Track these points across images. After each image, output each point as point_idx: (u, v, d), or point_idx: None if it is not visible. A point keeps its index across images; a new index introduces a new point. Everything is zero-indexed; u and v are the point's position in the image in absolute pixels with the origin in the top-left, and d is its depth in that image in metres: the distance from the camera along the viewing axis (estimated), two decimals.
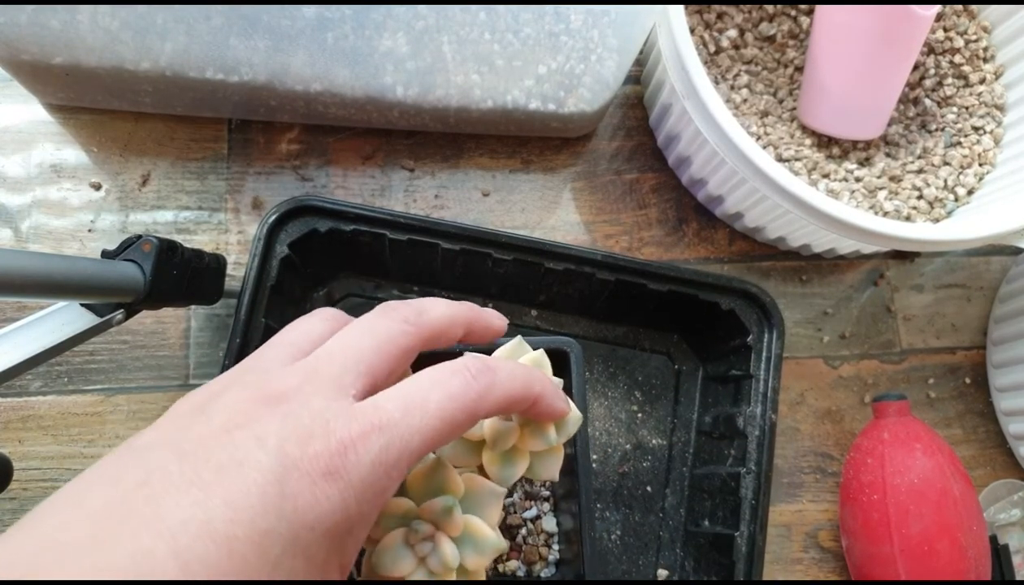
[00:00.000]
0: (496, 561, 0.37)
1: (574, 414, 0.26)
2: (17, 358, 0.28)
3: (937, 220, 0.45)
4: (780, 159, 0.45)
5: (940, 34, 0.48)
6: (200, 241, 0.44)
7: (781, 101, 0.47)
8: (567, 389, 0.31)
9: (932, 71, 0.48)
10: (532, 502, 0.39)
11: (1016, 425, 0.45)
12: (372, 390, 0.21)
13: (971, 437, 0.46)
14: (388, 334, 0.22)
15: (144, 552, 0.15)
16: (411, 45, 0.38)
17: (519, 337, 0.28)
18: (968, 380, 0.47)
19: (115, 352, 0.41)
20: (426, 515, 0.24)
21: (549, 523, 0.38)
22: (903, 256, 0.49)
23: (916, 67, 0.48)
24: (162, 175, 0.44)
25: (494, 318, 0.26)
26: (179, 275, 0.34)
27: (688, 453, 0.43)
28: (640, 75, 0.49)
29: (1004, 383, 0.45)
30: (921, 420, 0.42)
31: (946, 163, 0.46)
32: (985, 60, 0.48)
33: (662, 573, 0.41)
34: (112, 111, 0.45)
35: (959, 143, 0.47)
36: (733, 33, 0.46)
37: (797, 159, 0.45)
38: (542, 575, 0.38)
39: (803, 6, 0.47)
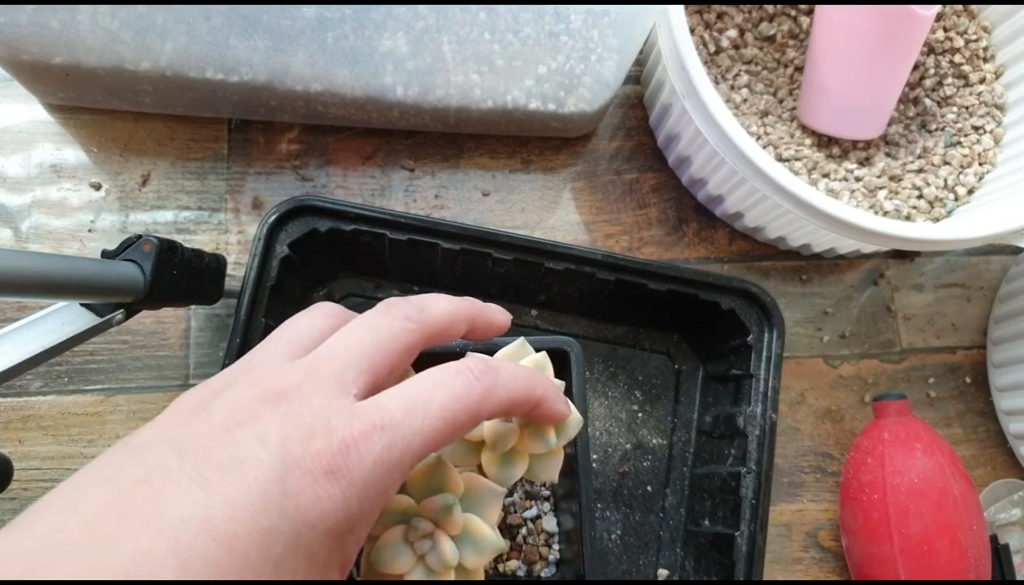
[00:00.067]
0: (496, 561, 0.37)
1: (574, 417, 0.26)
2: (17, 358, 0.28)
3: (937, 220, 0.45)
4: (780, 159, 0.45)
5: (940, 34, 0.48)
6: (200, 241, 0.44)
7: (781, 101, 0.47)
8: (567, 389, 0.31)
9: (932, 71, 0.48)
10: (532, 502, 0.39)
11: (1016, 424, 0.45)
12: (374, 388, 0.21)
13: (971, 437, 0.46)
14: (390, 332, 0.22)
15: (144, 550, 0.15)
16: (411, 45, 0.38)
17: (522, 338, 0.28)
18: (968, 380, 0.47)
19: (115, 352, 0.41)
20: (426, 513, 0.24)
21: (549, 523, 0.38)
22: (903, 256, 0.49)
23: (916, 67, 0.48)
24: (162, 175, 0.44)
25: (497, 314, 0.26)
26: (179, 275, 0.34)
27: (688, 453, 0.43)
28: (640, 75, 0.49)
29: (1004, 383, 0.45)
30: (921, 420, 0.42)
31: (946, 163, 0.46)
32: (985, 60, 0.48)
33: (662, 573, 0.41)
34: (112, 111, 0.45)
35: (959, 143, 0.47)
36: (733, 33, 0.46)
37: (797, 159, 0.45)
38: (542, 575, 0.38)
39: (803, 6, 0.47)
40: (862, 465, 0.41)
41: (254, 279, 0.37)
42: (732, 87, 0.46)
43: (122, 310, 0.32)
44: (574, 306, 0.44)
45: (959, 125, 0.47)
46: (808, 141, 0.46)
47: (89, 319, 0.31)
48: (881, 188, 0.45)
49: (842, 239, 0.42)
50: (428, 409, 0.20)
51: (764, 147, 0.45)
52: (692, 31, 0.46)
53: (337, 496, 0.18)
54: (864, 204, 0.44)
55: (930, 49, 0.48)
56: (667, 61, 0.39)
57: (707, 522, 0.40)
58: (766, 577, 0.40)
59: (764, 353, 0.40)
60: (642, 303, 0.42)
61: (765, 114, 0.46)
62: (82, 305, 0.31)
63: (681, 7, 0.38)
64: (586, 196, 0.47)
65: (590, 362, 0.44)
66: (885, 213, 0.44)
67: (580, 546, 0.33)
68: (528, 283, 0.42)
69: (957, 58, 0.48)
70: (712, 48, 0.46)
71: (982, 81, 0.48)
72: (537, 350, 0.28)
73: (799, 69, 0.47)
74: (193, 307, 0.42)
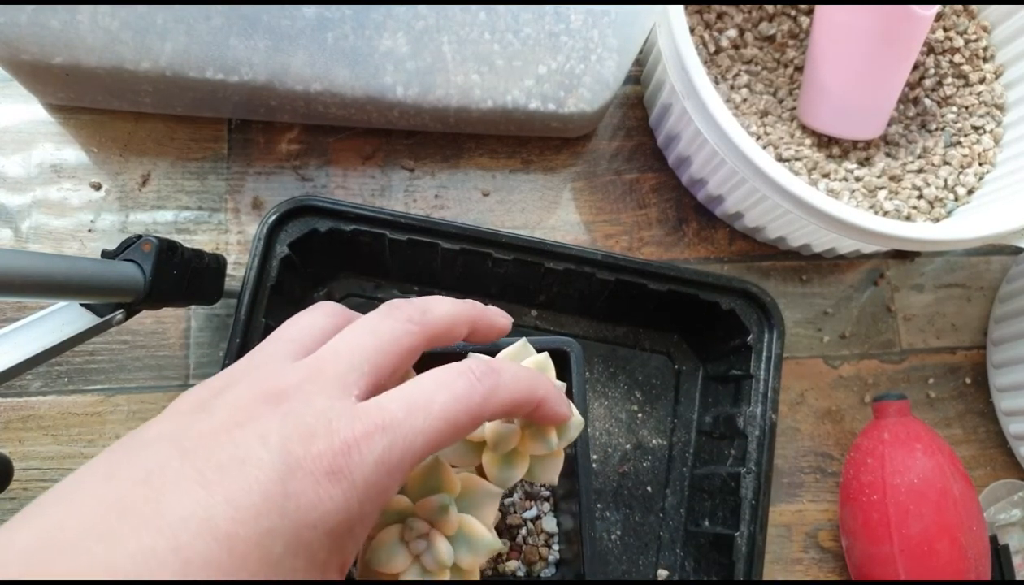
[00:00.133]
0: (496, 561, 0.37)
1: (576, 419, 0.26)
2: (17, 358, 0.29)
3: (937, 220, 0.45)
4: (780, 159, 0.45)
5: (940, 34, 0.48)
6: (200, 241, 0.44)
7: (781, 101, 0.47)
8: (567, 389, 0.31)
9: (932, 71, 0.48)
10: (532, 502, 0.39)
11: (1016, 425, 0.45)
12: (375, 390, 0.21)
13: (971, 437, 0.46)
14: (392, 333, 0.22)
15: (145, 550, 0.15)
16: (411, 45, 0.38)
17: (523, 339, 0.28)
18: (968, 380, 0.47)
19: (115, 352, 0.41)
20: (422, 513, 0.24)
21: (549, 523, 0.38)
22: (903, 256, 0.49)
23: (916, 67, 0.48)
24: (162, 175, 0.44)
25: (498, 316, 0.26)
26: (179, 275, 0.34)
27: (688, 453, 0.43)
28: (640, 75, 0.49)
29: (1004, 383, 0.45)
30: (921, 420, 0.42)
31: (946, 163, 0.46)
32: (985, 60, 0.48)
33: (662, 573, 0.41)
34: (112, 111, 0.45)
35: (959, 143, 0.47)
36: (733, 33, 0.46)
37: (797, 159, 0.45)
38: (542, 575, 0.38)
39: (803, 6, 0.47)
40: (862, 465, 0.41)
41: (254, 279, 0.37)
42: (732, 87, 0.46)
43: (122, 310, 0.32)
44: (574, 306, 0.44)
45: (959, 125, 0.47)
46: (808, 141, 0.46)
47: (89, 319, 0.31)
48: (881, 188, 0.45)
49: (842, 239, 0.42)
50: (430, 410, 0.20)
51: (764, 147, 0.45)
52: (692, 31, 0.46)
53: (338, 497, 0.18)
54: (864, 204, 0.44)
55: (930, 49, 0.48)
56: (667, 61, 0.39)
57: (707, 522, 0.40)
58: (766, 577, 0.40)
59: (764, 353, 0.40)
60: (642, 303, 0.42)
61: (765, 114, 0.46)
62: (82, 305, 0.31)
63: (681, 7, 0.38)
64: (586, 196, 0.47)
65: (590, 362, 0.44)
66: (885, 213, 0.44)
67: (580, 546, 0.33)
68: (528, 283, 0.42)
69: (957, 58, 0.48)
70: (712, 48, 0.46)
71: (982, 81, 0.48)
72: (537, 350, 0.28)
73: (799, 69, 0.47)
74: (193, 307, 0.42)
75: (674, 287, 0.40)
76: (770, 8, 0.47)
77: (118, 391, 0.41)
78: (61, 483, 0.18)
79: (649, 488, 0.42)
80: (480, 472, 0.26)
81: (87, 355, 0.41)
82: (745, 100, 0.46)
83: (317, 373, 0.20)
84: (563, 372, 0.33)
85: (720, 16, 0.47)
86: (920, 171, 0.46)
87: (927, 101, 0.48)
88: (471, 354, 0.24)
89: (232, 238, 0.44)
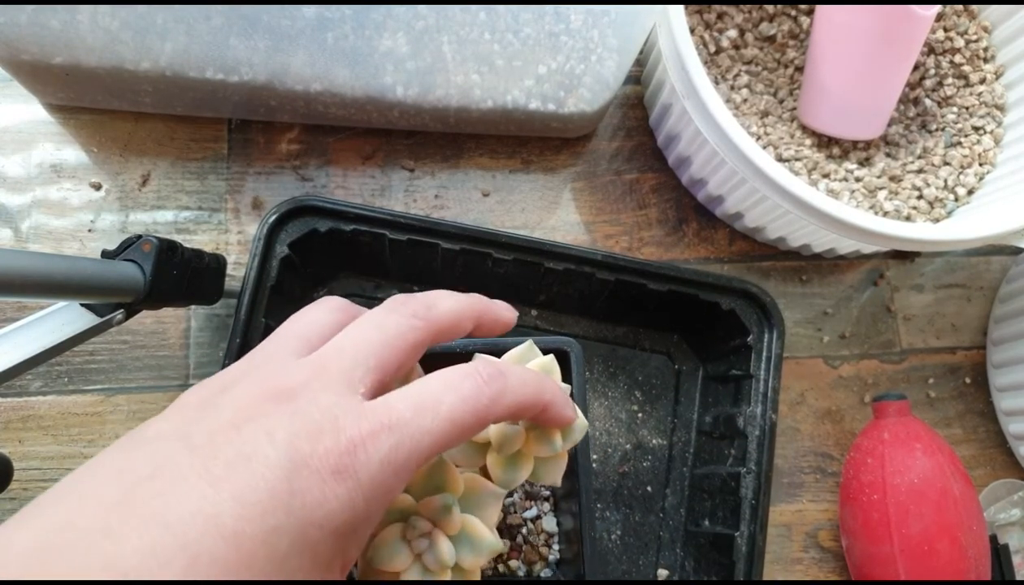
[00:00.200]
0: (496, 561, 0.37)
1: (580, 422, 0.26)
2: (17, 358, 0.29)
3: (937, 220, 0.45)
4: (780, 159, 0.45)
5: (940, 34, 0.48)
6: (200, 241, 0.44)
7: (781, 101, 0.47)
8: (569, 391, 0.31)
9: (932, 71, 0.48)
10: (532, 502, 0.39)
11: (1016, 425, 0.45)
12: (381, 386, 0.21)
13: (971, 437, 0.46)
14: (398, 329, 0.22)
15: (152, 546, 0.15)
16: (411, 45, 0.38)
17: (530, 341, 0.28)
18: (968, 380, 0.47)
19: (115, 352, 0.41)
20: (425, 512, 0.24)
21: (549, 523, 0.38)
22: (903, 256, 0.49)
23: (916, 67, 0.48)
24: (162, 175, 0.44)
25: (503, 310, 0.26)
26: (179, 275, 0.34)
27: (688, 453, 0.43)
28: (640, 75, 0.49)
29: (1004, 383, 0.45)
30: (921, 420, 0.42)
31: (946, 163, 0.46)
32: (985, 60, 0.48)
33: (662, 573, 0.41)
34: (112, 111, 0.45)
35: (959, 143, 0.47)
36: (733, 33, 0.46)
37: (797, 159, 0.45)
38: (542, 575, 0.38)
39: (803, 6, 0.47)
40: (862, 465, 0.41)
41: (254, 279, 0.37)
42: (732, 87, 0.46)
43: (122, 310, 0.32)
44: (574, 306, 0.44)
45: (959, 125, 0.47)
46: (808, 141, 0.46)
47: (89, 319, 0.31)
48: (881, 188, 0.45)
49: (842, 239, 0.42)
50: (437, 411, 0.20)
51: (764, 147, 0.45)
52: (692, 31, 0.46)
53: (343, 496, 0.18)
54: (864, 204, 0.44)
55: (930, 49, 0.48)
56: (667, 61, 0.39)
57: (707, 522, 0.40)
58: (766, 577, 0.40)
59: (764, 353, 0.40)
60: (642, 303, 0.42)
61: (765, 114, 0.46)
62: (82, 305, 0.31)
63: (681, 7, 0.38)
64: (586, 196, 0.47)
65: (590, 362, 0.44)
66: (885, 213, 0.44)
67: (580, 546, 0.33)
68: (528, 283, 0.42)
69: (957, 58, 0.48)
70: (712, 48, 0.46)
71: (982, 81, 0.48)
72: (547, 355, 0.28)
73: (799, 69, 0.47)
74: (193, 307, 0.42)
75: (674, 287, 0.40)
76: (770, 8, 0.47)
77: (118, 391, 0.41)
78: (69, 477, 0.17)
79: (649, 488, 0.42)
80: (484, 473, 0.26)
81: (87, 355, 0.41)
82: (745, 100, 0.46)
83: (323, 370, 0.20)
84: (563, 372, 0.33)
85: (720, 16, 0.47)
86: (920, 171, 0.46)
87: (927, 101, 0.48)
88: (477, 356, 0.24)
89: (232, 238, 0.44)
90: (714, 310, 0.41)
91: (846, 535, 0.41)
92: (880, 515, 0.39)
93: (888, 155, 0.47)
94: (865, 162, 0.46)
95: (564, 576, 0.37)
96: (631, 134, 0.49)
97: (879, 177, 0.45)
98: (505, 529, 0.38)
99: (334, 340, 0.21)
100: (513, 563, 0.38)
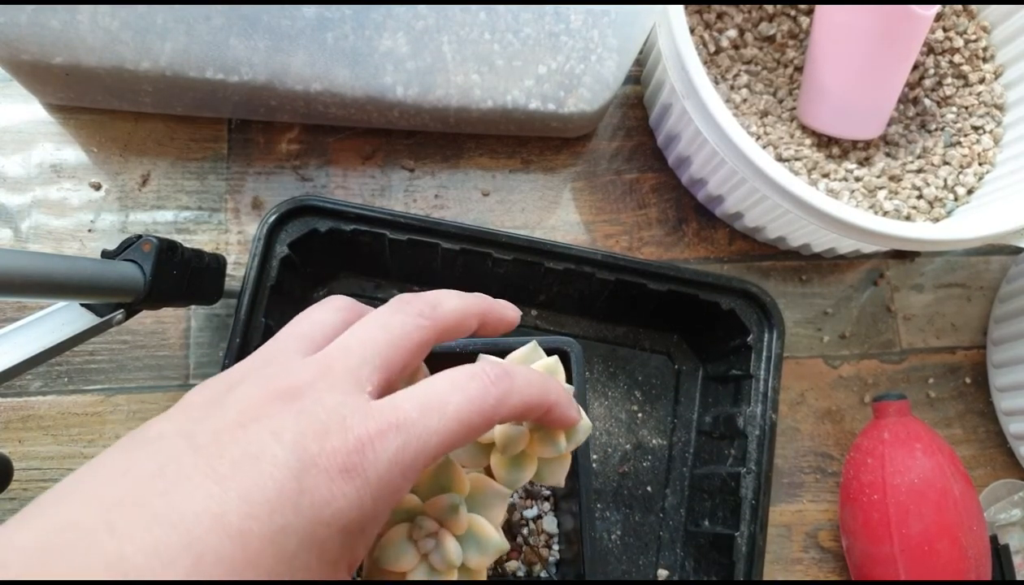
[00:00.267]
0: (496, 561, 0.37)
1: (584, 423, 0.26)
2: (17, 358, 0.28)
3: (937, 220, 0.45)
4: (780, 159, 0.45)
5: (940, 34, 0.48)
6: (200, 241, 0.44)
7: (781, 101, 0.47)
8: None
9: (932, 71, 0.48)
10: (533, 502, 0.39)
11: (1016, 425, 0.45)
12: (387, 385, 0.21)
13: (971, 437, 0.46)
14: (403, 328, 0.22)
15: (156, 544, 0.15)
16: (411, 45, 0.38)
17: (534, 342, 0.28)
18: (968, 380, 0.47)
19: (115, 352, 0.41)
20: (431, 512, 0.24)
21: (550, 523, 0.38)
22: (903, 256, 0.49)
23: (916, 67, 0.48)
24: (162, 175, 0.44)
25: (507, 309, 0.26)
26: (179, 275, 0.34)
27: (688, 453, 0.43)
28: (640, 75, 0.49)
29: (1004, 383, 0.45)
30: (921, 420, 0.42)
31: (946, 163, 0.46)
32: (985, 60, 0.48)
33: (662, 573, 0.41)
34: (112, 111, 0.45)
35: (959, 143, 0.47)
36: (733, 33, 0.46)
37: (797, 159, 0.45)
38: (542, 575, 0.38)
39: (803, 6, 0.47)
40: (862, 465, 0.41)
41: (254, 279, 0.37)
42: (732, 87, 0.46)
43: (122, 310, 0.32)
44: (574, 306, 0.44)
45: (959, 125, 0.47)
46: (808, 141, 0.46)
47: (89, 319, 0.31)
48: (881, 188, 0.45)
49: (842, 239, 0.42)
50: (444, 410, 0.20)
51: (764, 147, 0.45)
52: (692, 31, 0.46)
53: (352, 495, 0.18)
54: (864, 204, 0.44)
55: (930, 49, 0.48)
56: (667, 61, 0.39)
57: (707, 522, 0.40)
58: (766, 577, 0.40)
59: (764, 353, 0.40)
60: (642, 303, 0.42)
61: (765, 114, 0.46)
62: (82, 305, 0.31)
63: (681, 7, 0.38)
64: (586, 196, 0.47)
65: (590, 362, 0.44)
66: (885, 213, 0.44)
67: (580, 546, 0.33)
68: (528, 283, 0.42)
69: (957, 58, 0.48)
70: (712, 48, 0.46)
71: (982, 81, 0.48)
72: (551, 356, 0.28)
73: (799, 69, 0.47)
74: (193, 307, 0.42)
75: (674, 287, 0.40)
76: (770, 8, 0.47)
77: (118, 391, 0.41)
78: (74, 474, 0.17)
79: (649, 488, 0.42)
80: (488, 473, 0.26)
81: (87, 355, 0.41)
82: (745, 100, 0.46)
83: (329, 369, 0.20)
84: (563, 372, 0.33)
85: (720, 16, 0.47)
86: (920, 171, 0.46)
87: (927, 101, 0.48)
88: (482, 356, 0.24)
89: (232, 238, 0.44)
90: (714, 310, 0.41)
91: (846, 535, 0.41)
92: (880, 515, 0.39)
93: (888, 155, 0.47)
94: (865, 162, 0.46)
95: (564, 576, 0.37)
96: (631, 134, 0.49)
97: (879, 177, 0.45)
98: (506, 529, 0.38)
99: (339, 339, 0.21)
100: (513, 563, 0.38)
